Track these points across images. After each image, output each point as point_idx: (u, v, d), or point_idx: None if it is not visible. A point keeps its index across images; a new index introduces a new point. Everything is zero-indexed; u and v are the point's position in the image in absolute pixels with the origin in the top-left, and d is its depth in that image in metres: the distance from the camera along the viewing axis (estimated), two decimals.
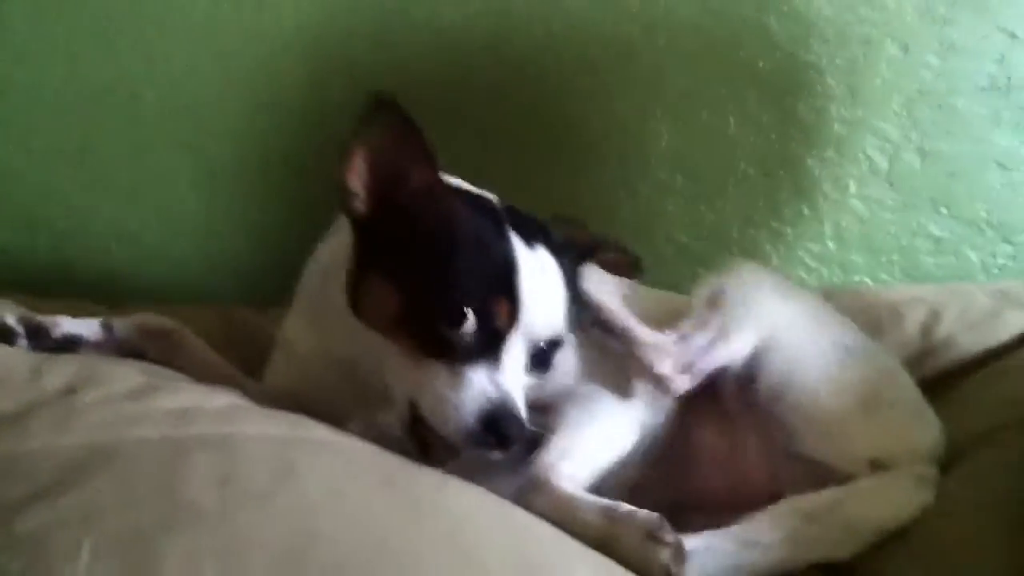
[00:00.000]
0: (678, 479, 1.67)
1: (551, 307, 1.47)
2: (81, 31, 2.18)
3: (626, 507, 1.38)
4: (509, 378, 1.40)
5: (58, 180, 2.25)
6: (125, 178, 2.26)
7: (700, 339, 1.63)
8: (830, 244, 2.36)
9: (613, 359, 1.65)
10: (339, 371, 1.54)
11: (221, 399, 1.37)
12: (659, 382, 1.60)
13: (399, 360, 1.41)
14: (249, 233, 2.31)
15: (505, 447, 1.36)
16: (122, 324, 1.59)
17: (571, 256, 1.56)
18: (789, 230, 2.35)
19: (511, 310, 1.41)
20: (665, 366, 1.59)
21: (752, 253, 2.30)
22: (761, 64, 2.25)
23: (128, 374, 1.37)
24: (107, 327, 1.57)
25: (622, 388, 1.63)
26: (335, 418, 1.49)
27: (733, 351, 1.64)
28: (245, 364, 1.74)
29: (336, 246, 1.56)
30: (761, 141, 2.29)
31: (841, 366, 1.66)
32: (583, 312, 1.60)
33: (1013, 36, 2.25)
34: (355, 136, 1.43)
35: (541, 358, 1.48)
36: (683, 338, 1.63)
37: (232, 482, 1.16)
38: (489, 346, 1.40)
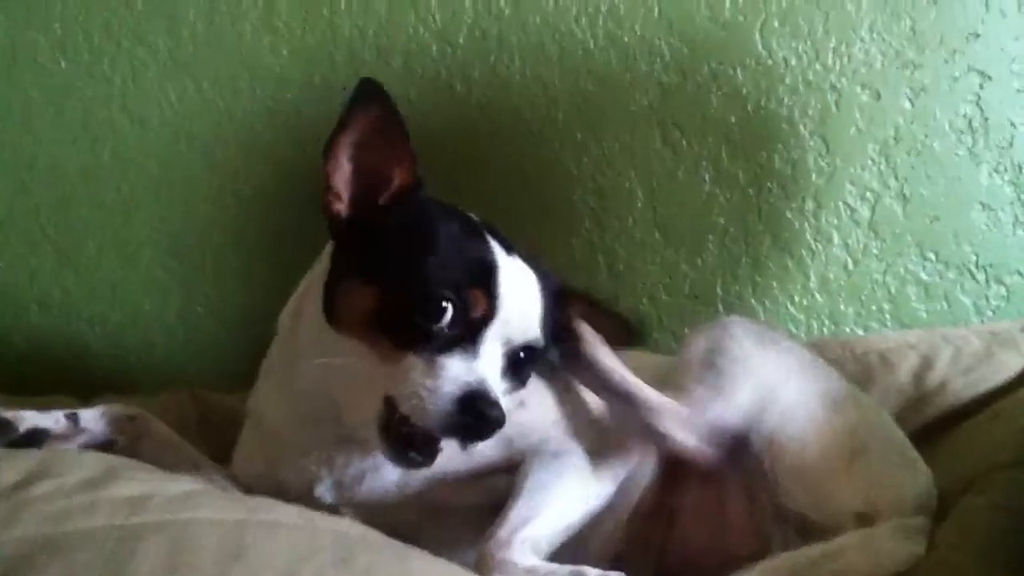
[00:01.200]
0: (663, 540, 1.63)
1: (528, 310, 1.48)
2: (49, 121, 2.21)
3: (592, 572, 1.36)
4: (485, 368, 1.40)
5: (27, 271, 2.26)
6: (95, 264, 2.27)
7: (708, 397, 1.60)
8: (817, 296, 2.33)
9: (588, 406, 1.64)
10: (307, 428, 1.53)
11: (178, 485, 1.35)
12: (682, 452, 1.57)
13: (374, 360, 1.40)
14: (219, 315, 2.30)
15: (483, 431, 1.36)
16: (87, 414, 1.57)
17: (551, 280, 1.57)
18: (774, 284, 2.32)
19: (488, 304, 1.42)
20: (681, 433, 1.56)
21: (737, 309, 2.27)
22: (732, 119, 2.24)
23: (86, 465, 1.35)
24: (72, 418, 1.55)
25: (597, 440, 1.60)
26: (305, 485, 1.51)
27: (735, 411, 1.60)
28: (218, 448, 1.72)
29: (311, 278, 1.57)
30: (738, 196, 2.28)
31: (829, 418, 1.62)
32: (563, 352, 1.61)
33: (986, 76, 2.24)
34: (341, 126, 1.46)
35: (517, 367, 1.48)
36: (693, 399, 1.59)
37: (180, 568, 1.14)
38: (465, 337, 1.40)
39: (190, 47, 2.19)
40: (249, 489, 1.56)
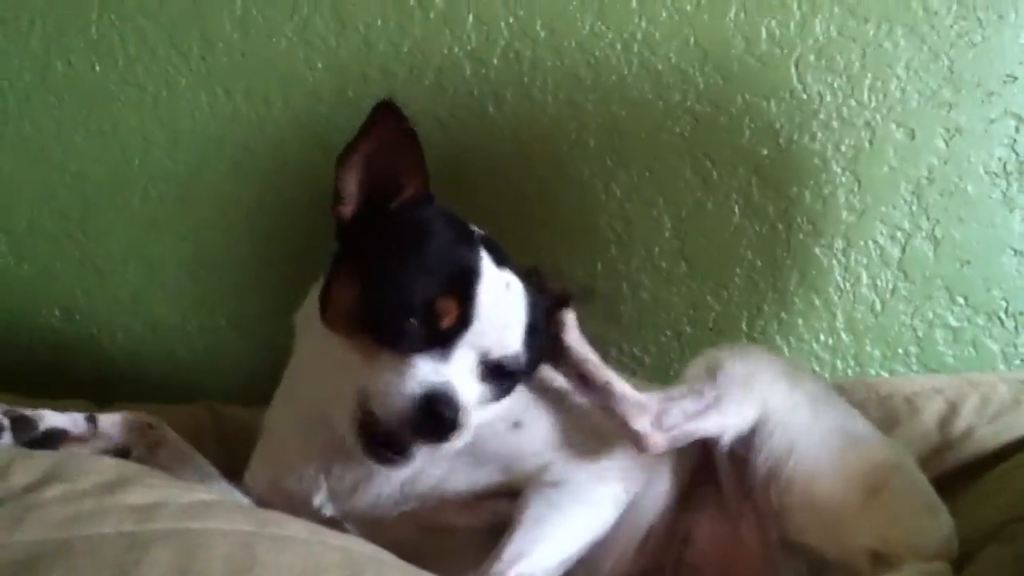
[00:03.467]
0: (676, 566, 1.61)
1: (507, 323, 1.50)
2: (79, 125, 2.22)
3: None
4: (455, 372, 1.43)
5: (51, 276, 2.27)
6: (119, 272, 2.27)
7: (689, 404, 1.58)
8: (843, 336, 2.30)
9: (586, 425, 1.62)
10: (306, 434, 1.58)
11: (191, 495, 1.33)
12: (635, 440, 1.55)
13: (354, 356, 1.44)
14: (241, 329, 2.30)
15: (440, 432, 1.38)
16: (106, 419, 1.58)
17: (545, 299, 1.60)
18: (800, 321, 2.29)
19: (462, 312, 1.44)
20: (641, 422, 1.54)
21: (761, 344, 2.24)
22: (764, 152, 2.22)
23: (99, 470, 1.34)
24: (91, 421, 1.55)
25: (597, 462, 1.58)
26: (305, 494, 1.57)
27: (722, 424, 1.59)
28: (232, 462, 1.71)
29: (320, 282, 1.60)
30: (767, 230, 2.25)
31: (842, 453, 1.59)
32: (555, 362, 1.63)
33: (1022, 120, 2.21)
34: (357, 140, 1.53)
35: (497, 378, 1.49)
36: (669, 399, 1.58)
37: None
38: (438, 341, 1.43)
39: (224, 57, 2.19)
40: (261, 503, 1.56)
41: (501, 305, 1.49)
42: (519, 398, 1.59)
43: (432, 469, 1.55)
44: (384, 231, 1.53)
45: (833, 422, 1.65)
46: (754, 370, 1.64)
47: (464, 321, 1.44)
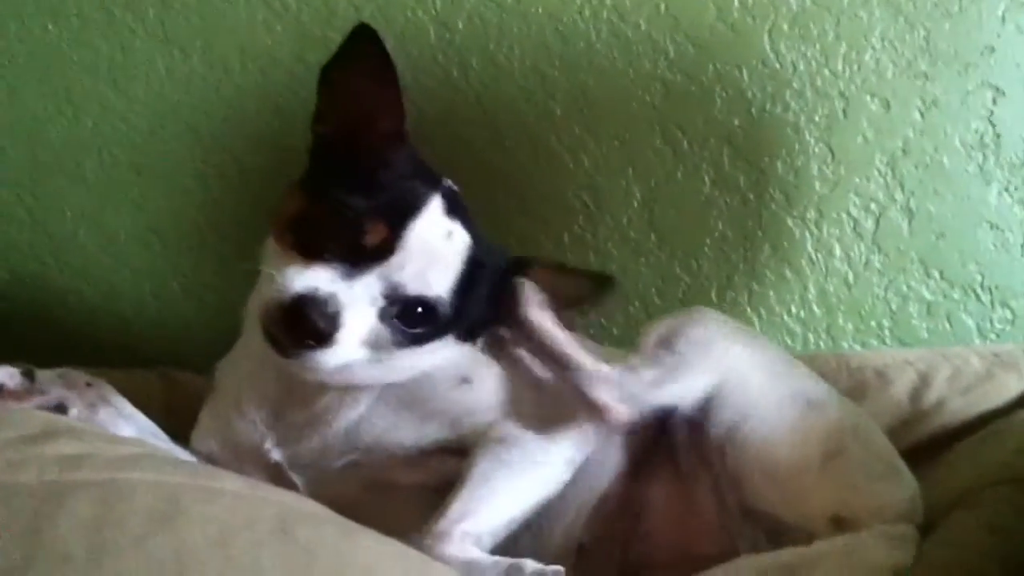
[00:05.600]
0: (628, 538, 1.57)
1: (433, 267, 1.46)
2: (32, 88, 2.18)
3: (531, 566, 1.31)
4: (349, 292, 1.39)
5: (2, 240, 2.23)
6: (70, 236, 2.23)
7: (648, 374, 1.54)
8: (816, 309, 2.25)
9: (540, 391, 1.58)
10: (256, 373, 1.56)
11: (122, 448, 1.29)
12: (597, 412, 1.51)
13: (282, 262, 1.42)
14: (195, 295, 2.26)
15: (300, 333, 1.36)
16: (44, 374, 1.54)
17: (501, 263, 1.59)
18: (771, 294, 2.25)
19: (386, 240, 1.42)
20: (604, 393, 1.50)
21: (732, 317, 2.17)
22: (736, 122, 2.17)
23: (25, 422, 1.29)
24: (28, 375, 1.52)
25: (549, 423, 1.53)
26: (255, 439, 1.54)
27: (683, 391, 1.56)
28: (181, 429, 1.66)
29: None
30: (738, 202, 2.20)
31: (801, 417, 1.56)
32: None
33: (1000, 91, 2.17)
34: (332, 68, 1.52)
35: (410, 321, 1.45)
36: (629, 370, 1.54)
37: (106, 527, 1.08)
38: (350, 259, 1.41)
39: (181, 19, 2.14)
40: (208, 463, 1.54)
41: (431, 247, 1.46)
42: (469, 355, 1.57)
43: (376, 419, 1.51)
44: (347, 155, 1.51)
45: (790, 386, 1.62)
46: (711, 335, 1.61)
47: (385, 250, 1.42)
